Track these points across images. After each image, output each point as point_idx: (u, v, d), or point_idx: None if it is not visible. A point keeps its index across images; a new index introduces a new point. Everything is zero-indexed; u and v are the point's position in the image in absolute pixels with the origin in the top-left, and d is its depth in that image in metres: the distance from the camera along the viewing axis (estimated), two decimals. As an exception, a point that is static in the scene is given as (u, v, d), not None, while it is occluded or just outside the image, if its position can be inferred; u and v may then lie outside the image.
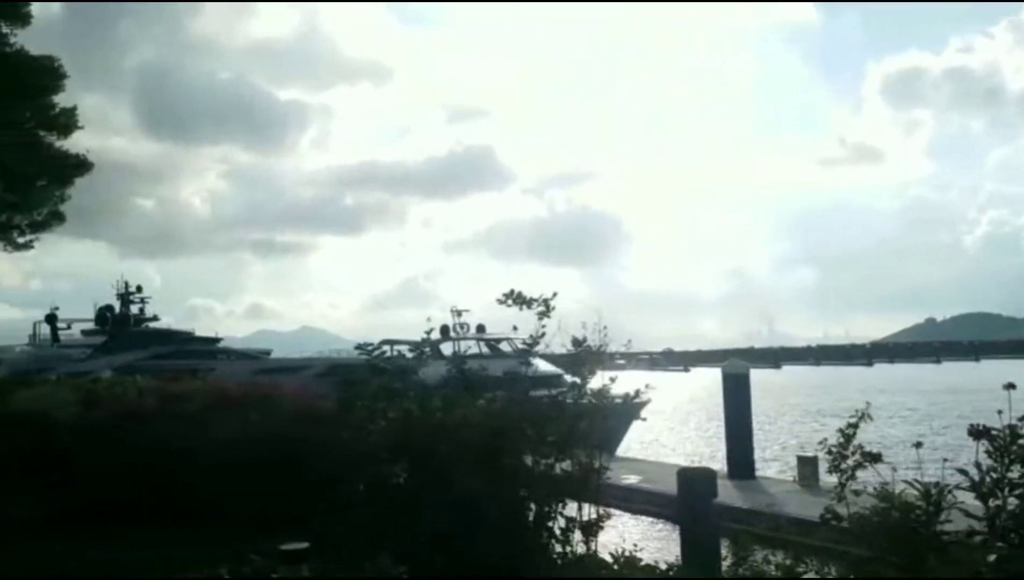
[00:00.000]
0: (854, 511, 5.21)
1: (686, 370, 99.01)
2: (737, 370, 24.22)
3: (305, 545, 4.95)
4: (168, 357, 54.91)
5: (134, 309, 60.50)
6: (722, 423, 21.92)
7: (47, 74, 17.29)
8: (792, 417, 45.07)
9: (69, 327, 62.45)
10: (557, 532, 6.64)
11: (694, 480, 9.02)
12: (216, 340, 63.94)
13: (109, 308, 59.47)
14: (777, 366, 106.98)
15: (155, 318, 62.40)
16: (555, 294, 7.14)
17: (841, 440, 5.65)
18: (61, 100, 18.58)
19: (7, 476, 8.72)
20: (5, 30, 16.68)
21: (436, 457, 6.21)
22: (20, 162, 18.33)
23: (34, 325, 65.19)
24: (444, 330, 54.96)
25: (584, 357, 7.25)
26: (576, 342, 7.45)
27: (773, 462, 26.71)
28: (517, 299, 6.99)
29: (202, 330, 64.57)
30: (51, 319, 60.62)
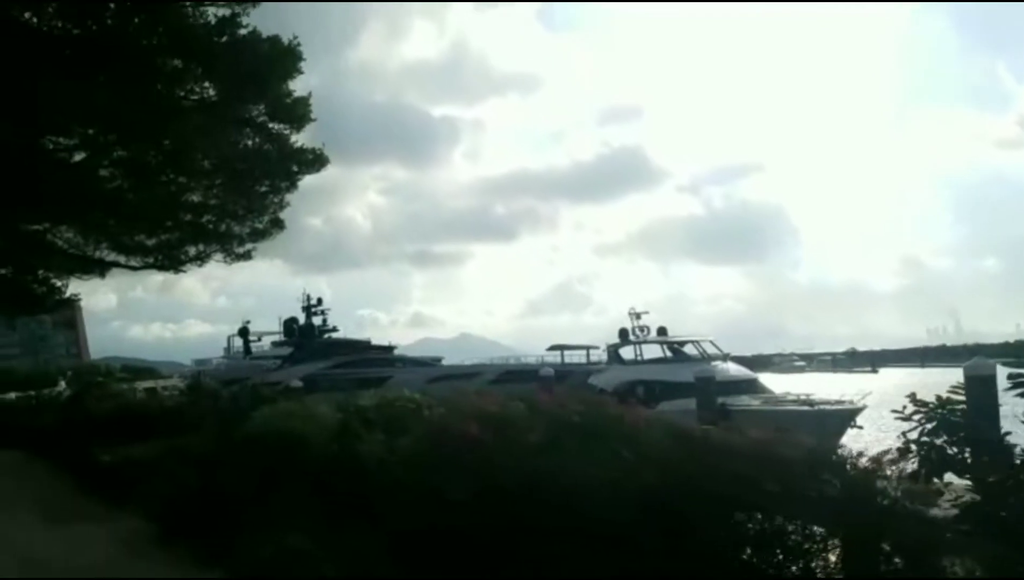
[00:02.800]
0: None
1: (874, 371, 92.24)
2: (983, 371, 21.50)
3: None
4: (350, 366, 56.52)
5: (316, 321, 62.82)
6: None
7: (284, 57, 15.03)
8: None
9: (259, 339, 65.65)
10: None
11: None
12: (391, 348, 65.39)
13: (294, 320, 61.98)
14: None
15: (335, 329, 64.57)
16: None
17: None
18: (296, 86, 16.15)
19: (299, 518, 7.64)
20: (237, 9, 14.04)
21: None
22: (250, 162, 16.90)
23: (228, 338, 69.09)
24: (623, 333, 53.21)
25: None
26: None
27: None
28: None
29: (373, 340, 66.34)
30: (243, 333, 63.89)
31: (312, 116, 16.23)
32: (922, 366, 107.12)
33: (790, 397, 31.65)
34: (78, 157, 15.57)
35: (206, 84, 14.58)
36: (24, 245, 19.51)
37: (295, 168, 17.18)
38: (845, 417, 27.00)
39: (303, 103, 16.02)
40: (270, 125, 16.22)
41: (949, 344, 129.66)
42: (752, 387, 38.28)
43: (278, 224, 18.59)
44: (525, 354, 69.88)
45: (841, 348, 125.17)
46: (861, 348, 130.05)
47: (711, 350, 45.18)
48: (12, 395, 44.50)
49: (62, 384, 57.58)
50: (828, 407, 27.99)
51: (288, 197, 18.03)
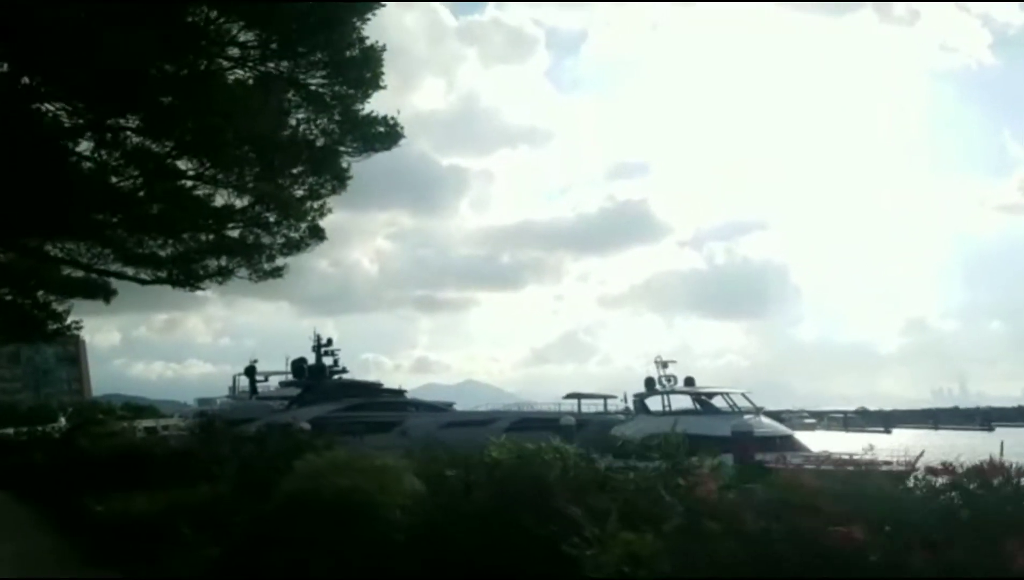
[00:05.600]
0: None
1: (887, 431, 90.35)
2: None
3: None
4: (361, 408, 53.95)
5: (327, 361, 60.29)
6: None
7: None
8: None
9: (266, 379, 63.30)
10: None
11: None
12: (402, 392, 62.74)
13: (303, 360, 59.48)
14: (988, 427, 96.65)
15: (345, 370, 62.10)
16: None
17: None
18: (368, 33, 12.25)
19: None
20: None
21: None
22: (293, 149, 13.50)
23: (234, 378, 66.69)
24: (649, 383, 50.56)
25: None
26: None
27: None
28: None
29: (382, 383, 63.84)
30: (250, 372, 61.49)
31: (383, 80, 12.26)
32: (935, 428, 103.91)
33: (832, 456, 29.35)
34: (80, 143, 12.76)
35: (246, 35, 11.21)
36: (23, 258, 17.10)
37: (359, 145, 13.45)
38: (896, 480, 24.64)
39: (375, 57, 11.89)
40: (325, 89, 12.42)
41: (960, 407, 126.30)
42: (789, 443, 35.80)
43: (317, 233, 15.09)
44: (530, 402, 67.70)
45: (847, 407, 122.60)
46: (868, 407, 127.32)
47: (742, 403, 42.65)
48: (10, 430, 42.39)
49: (62, 420, 55.49)
50: (879, 468, 25.62)
51: (330, 202, 14.60)
